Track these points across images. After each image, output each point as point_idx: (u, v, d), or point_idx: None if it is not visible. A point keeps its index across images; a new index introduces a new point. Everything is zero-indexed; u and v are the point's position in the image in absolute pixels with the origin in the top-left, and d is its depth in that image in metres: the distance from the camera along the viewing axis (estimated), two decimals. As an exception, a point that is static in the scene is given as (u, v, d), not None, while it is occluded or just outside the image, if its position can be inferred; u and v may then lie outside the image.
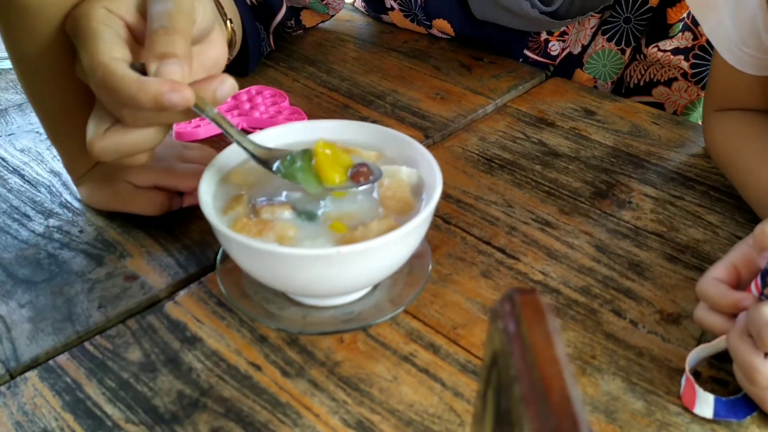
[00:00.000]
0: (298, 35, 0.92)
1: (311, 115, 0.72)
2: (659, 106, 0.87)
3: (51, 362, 0.45)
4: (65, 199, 0.60)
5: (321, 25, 0.94)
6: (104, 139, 0.43)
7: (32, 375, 0.44)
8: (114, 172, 0.56)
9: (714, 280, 0.42)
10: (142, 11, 0.44)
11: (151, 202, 0.56)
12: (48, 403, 0.43)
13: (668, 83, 0.86)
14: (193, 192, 0.55)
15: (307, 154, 0.45)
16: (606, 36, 0.84)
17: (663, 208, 0.61)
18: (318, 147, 0.45)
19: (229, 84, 0.43)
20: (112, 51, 0.41)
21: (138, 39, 0.44)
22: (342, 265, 0.41)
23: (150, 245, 0.55)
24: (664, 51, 0.83)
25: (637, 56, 0.85)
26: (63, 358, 0.45)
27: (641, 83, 0.87)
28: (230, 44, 0.59)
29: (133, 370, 0.45)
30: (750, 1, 0.54)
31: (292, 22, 0.88)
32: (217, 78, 0.43)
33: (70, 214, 0.58)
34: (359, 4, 1.01)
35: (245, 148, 0.46)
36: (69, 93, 0.52)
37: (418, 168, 0.49)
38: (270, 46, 0.85)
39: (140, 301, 0.50)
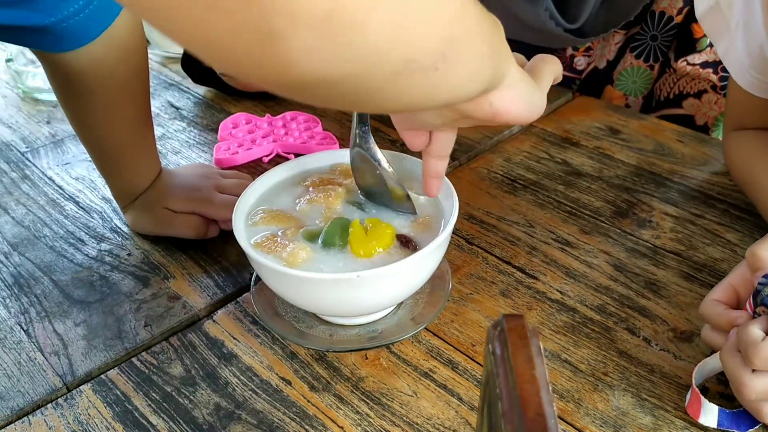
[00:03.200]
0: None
1: (342, 139, 0.76)
2: (690, 118, 0.88)
3: (103, 376, 0.50)
4: (115, 224, 0.65)
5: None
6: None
7: (86, 388, 0.49)
8: (155, 200, 0.61)
9: (713, 301, 0.44)
10: None
11: (188, 226, 0.61)
12: (100, 414, 0.47)
13: (698, 95, 0.87)
14: (227, 220, 0.60)
15: (345, 227, 0.49)
16: (634, 53, 0.86)
17: (683, 227, 0.62)
18: (354, 224, 0.49)
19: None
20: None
21: None
22: (361, 288, 0.44)
23: (191, 267, 0.59)
24: (693, 64, 0.84)
25: (667, 70, 0.87)
26: (113, 373, 0.50)
27: (671, 96, 0.88)
28: None
29: (176, 384, 0.49)
30: (758, 30, 0.55)
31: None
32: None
33: (120, 239, 0.63)
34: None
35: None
36: (118, 135, 0.60)
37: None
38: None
39: (182, 320, 0.54)
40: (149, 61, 0.61)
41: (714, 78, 0.84)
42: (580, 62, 0.88)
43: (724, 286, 0.46)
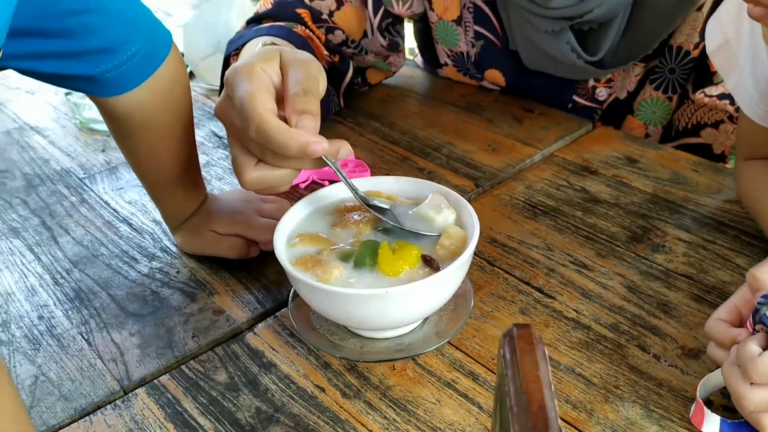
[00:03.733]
0: (364, 91, 1.02)
1: (373, 167, 0.81)
2: (708, 147, 0.91)
3: (156, 381, 0.55)
4: (165, 244, 0.71)
5: (385, 81, 1.04)
6: (252, 174, 0.53)
7: (141, 392, 0.54)
8: (202, 224, 0.67)
9: (717, 320, 0.48)
10: (283, 73, 0.54)
11: (232, 247, 0.66)
12: (153, 415, 0.52)
13: (716, 125, 0.90)
14: (267, 243, 0.65)
15: (375, 249, 0.54)
16: (653, 85, 0.90)
17: (695, 252, 0.66)
18: (382, 246, 0.54)
19: (347, 148, 0.54)
20: (266, 104, 0.51)
21: (278, 95, 0.55)
22: (389, 303, 0.49)
23: (234, 284, 0.65)
24: (711, 96, 0.88)
25: (685, 101, 0.90)
26: (165, 378, 0.55)
27: (689, 126, 0.91)
28: None
29: (220, 389, 0.54)
30: (764, 66, 0.59)
31: (359, 80, 0.98)
32: (340, 142, 0.53)
33: (169, 258, 0.69)
34: (419, 60, 1.11)
35: (354, 192, 0.56)
36: (166, 169, 0.66)
37: (460, 219, 0.57)
38: (339, 104, 0.95)
39: (226, 332, 0.59)
40: (193, 92, 0.67)
41: (731, 109, 0.88)
42: (602, 93, 0.92)
43: (727, 306, 0.49)
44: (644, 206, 0.73)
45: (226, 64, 0.83)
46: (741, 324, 0.48)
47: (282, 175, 0.54)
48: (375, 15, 0.92)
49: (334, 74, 0.92)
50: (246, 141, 0.53)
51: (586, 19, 0.80)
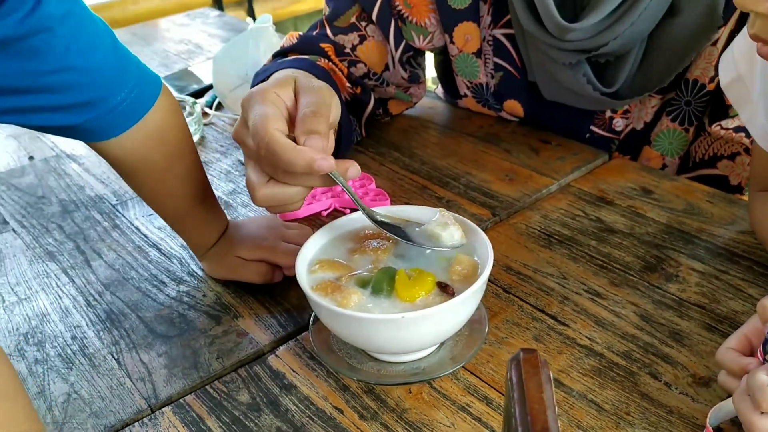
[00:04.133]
0: (386, 122, 1.05)
1: (393, 196, 0.84)
2: (725, 178, 0.92)
3: (181, 400, 0.58)
4: (192, 269, 0.74)
5: (406, 112, 1.07)
6: (264, 191, 0.56)
7: (167, 410, 0.57)
8: (227, 250, 0.70)
9: (728, 349, 0.49)
10: (296, 98, 0.58)
11: (257, 272, 0.69)
12: (178, 432, 0.55)
13: (732, 157, 0.91)
14: (291, 267, 0.67)
15: (392, 275, 0.56)
16: (670, 117, 0.92)
17: (708, 282, 0.67)
18: (399, 273, 0.56)
19: (356, 168, 0.56)
20: (276, 124, 0.55)
21: (291, 118, 0.58)
22: (405, 328, 0.51)
23: (257, 308, 0.67)
24: (727, 129, 0.89)
25: (702, 133, 0.92)
26: (190, 398, 0.58)
27: (706, 157, 0.92)
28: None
29: (243, 409, 0.56)
30: None
31: (380, 110, 1.01)
32: (349, 162, 0.56)
33: (196, 282, 0.72)
34: (440, 91, 1.14)
35: (363, 210, 0.59)
36: (175, 206, 0.69)
37: (474, 246, 0.59)
38: (361, 134, 0.98)
39: (249, 354, 0.62)
40: (221, 122, 0.70)
41: (746, 141, 0.89)
42: (619, 123, 0.94)
43: (738, 336, 0.50)
44: (658, 236, 0.74)
45: None
46: (752, 353, 0.49)
47: (293, 192, 0.56)
48: (396, 49, 0.95)
49: (356, 105, 0.95)
50: (259, 160, 0.56)
51: (603, 52, 0.83)
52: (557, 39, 0.83)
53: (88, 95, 0.58)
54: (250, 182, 0.57)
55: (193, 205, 0.69)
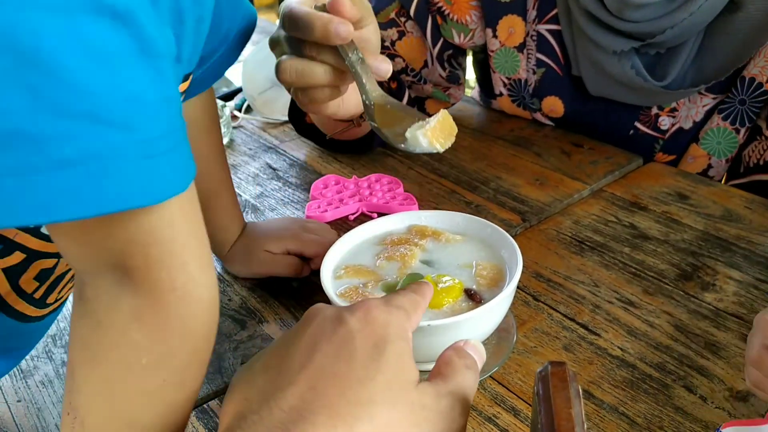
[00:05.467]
0: (416, 126, 1.04)
1: (421, 200, 0.83)
2: None
3: (205, 405, 0.57)
4: (217, 272, 0.74)
5: (436, 115, 1.06)
6: (290, 61, 0.56)
7: (191, 415, 0.56)
8: (252, 246, 0.70)
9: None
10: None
11: (288, 264, 0.69)
12: (202, 438, 0.54)
13: None
14: (317, 257, 0.67)
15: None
16: (721, 115, 0.88)
17: (746, 291, 0.64)
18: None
19: (388, 65, 0.55)
20: (300, 2, 0.54)
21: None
22: (432, 336, 0.50)
23: (282, 313, 0.67)
24: None
25: (758, 137, 0.88)
26: (214, 403, 0.57)
27: (761, 162, 0.88)
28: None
29: (267, 415, 0.56)
30: None
31: (416, 108, 1.00)
32: (382, 57, 0.55)
33: (222, 286, 0.72)
34: (475, 93, 1.12)
35: (364, 94, 0.54)
36: (210, 186, 0.67)
37: (502, 253, 0.58)
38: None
39: (274, 359, 0.61)
40: (250, 125, 0.70)
41: None
42: (665, 122, 0.90)
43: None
44: (694, 244, 0.72)
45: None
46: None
47: (316, 68, 0.55)
48: (434, 46, 0.94)
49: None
50: (287, 42, 0.56)
51: (656, 41, 0.80)
52: (614, 17, 0.80)
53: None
54: (278, 61, 0.57)
55: (218, 189, 0.69)
